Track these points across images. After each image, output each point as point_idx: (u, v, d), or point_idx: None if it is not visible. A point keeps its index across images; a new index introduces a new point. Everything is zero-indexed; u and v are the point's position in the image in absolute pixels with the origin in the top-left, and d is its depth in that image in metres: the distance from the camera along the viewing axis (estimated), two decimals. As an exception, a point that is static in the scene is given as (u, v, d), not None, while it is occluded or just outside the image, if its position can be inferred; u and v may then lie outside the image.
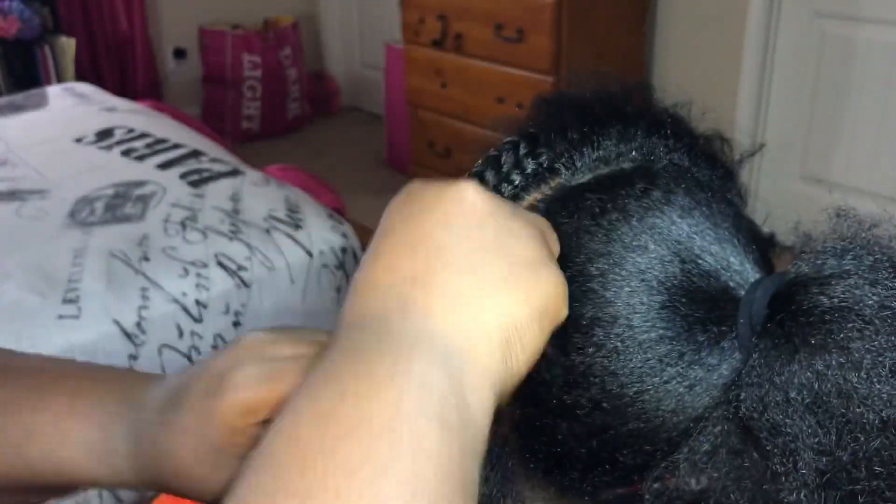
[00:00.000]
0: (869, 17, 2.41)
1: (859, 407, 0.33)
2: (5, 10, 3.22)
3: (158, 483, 0.43)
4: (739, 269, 0.39)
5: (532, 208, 0.43)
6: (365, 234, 1.93)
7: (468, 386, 0.31)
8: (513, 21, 2.69)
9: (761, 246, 0.41)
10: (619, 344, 0.39)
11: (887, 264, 0.36)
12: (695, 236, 0.39)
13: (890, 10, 2.36)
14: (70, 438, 0.43)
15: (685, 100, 0.47)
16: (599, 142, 0.44)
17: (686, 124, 0.46)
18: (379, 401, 0.29)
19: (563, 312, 0.37)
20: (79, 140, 2.21)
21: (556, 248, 0.39)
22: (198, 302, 1.64)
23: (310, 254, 1.77)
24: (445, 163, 3.06)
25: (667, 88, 0.49)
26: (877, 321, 0.34)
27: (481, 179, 0.45)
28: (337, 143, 3.95)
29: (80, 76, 3.37)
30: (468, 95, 2.92)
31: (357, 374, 0.30)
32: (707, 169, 0.44)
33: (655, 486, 0.39)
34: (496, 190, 0.44)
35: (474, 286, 0.34)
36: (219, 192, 1.89)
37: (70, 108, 2.51)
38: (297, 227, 1.80)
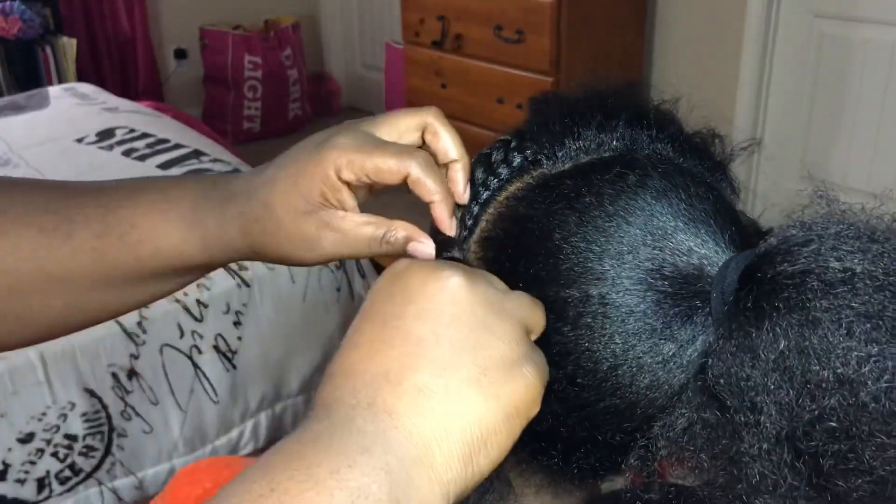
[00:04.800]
0: (867, 17, 2.42)
1: (816, 364, 0.34)
2: (7, 10, 3.23)
3: (241, 252, 0.49)
4: (714, 248, 0.40)
5: (513, 197, 0.45)
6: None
7: (414, 497, 0.32)
8: (512, 22, 2.69)
9: (741, 228, 0.42)
10: (591, 321, 0.40)
11: (852, 231, 0.36)
12: (669, 217, 0.40)
13: (888, 10, 2.37)
14: (165, 223, 0.49)
15: (676, 96, 0.48)
16: (580, 132, 0.45)
17: (672, 117, 0.47)
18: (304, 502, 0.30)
19: (535, 410, 0.37)
20: (80, 140, 2.21)
21: (539, 327, 0.39)
22: (199, 301, 1.65)
23: (310, 253, 1.78)
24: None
25: (666, 89, 0.50)
26: (836, 283, 0.35)
27: (472, 176, 0.47)
28: (337, 144, 3.95)
29: (82, 76, 3.38)
30: (468, 96, 2.93)
31: (295, 469, 0.31)
32: (693, 160, 0.45)
33: (635, 462, 0.40)
34: (484, 185, 0.46)
35: (445, 389, 0.34)
36: (220, 192, 1.90)
37: (71, 108, 2.51)
38: (298, 226, 1.81)
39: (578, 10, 2.59)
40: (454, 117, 3.01)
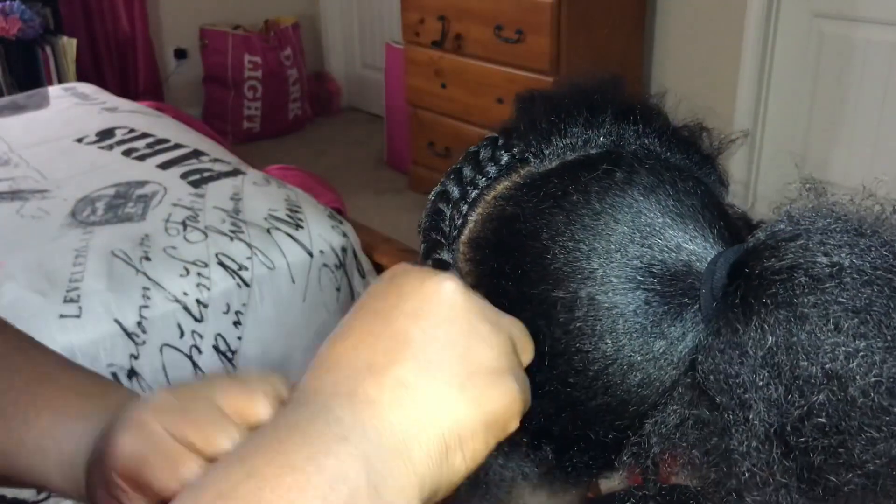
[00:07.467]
0: (867, 17, 2.42)
1: (804, 360, 0.34)
2: (6, 10, 3.23)
3: None
4: (703, 244, 0.40)
5: (501, 197, 0.45)
6: (365, 234, 1.93)
7: (391, 486, 0.32)
8: (512, 21, 2.69)
9: (731, 222, 0.42)
10: (581, 322, 0.40)
11: (839, 225, 0.36)
12: (657, 213, 0.40)
13: (888, 10, 2.37)
14: (49, 456, 0.49)
15: (675, 96, 0.48)
16: (566, 130, 0.45)
17: (658, 112, 0.47)
18: (282, 489, 0.30)
19: (513, 426, 0.36)
20: (80, 140, 2.21)
21: (528, 356, 0.39)
22: (199, 301, 1.65)
23: (310, 253, 1.78)
24: (445, 163, 3.06)
25: (666, 89, 0.49)
26: (824, 277, 0.35)
27: (460, 174, 0.47)
28: (337, 143, 3.96)
29: (82, 76, 3.38)
30: (468, 95, 2.93)
31: (273, 455, 0.31)
32: (681, 154, 0.45)
33: (628, 460, 0.40)
34: (472, 184, 0.46)
35: (427, 386, 0.34)
36: (220, 191, 1.90)
37: (71, 108, 2.51)
38: (298, 226, 1.81)
39: (578, 10, 2.60)
40: (454, 117, 3.01)
